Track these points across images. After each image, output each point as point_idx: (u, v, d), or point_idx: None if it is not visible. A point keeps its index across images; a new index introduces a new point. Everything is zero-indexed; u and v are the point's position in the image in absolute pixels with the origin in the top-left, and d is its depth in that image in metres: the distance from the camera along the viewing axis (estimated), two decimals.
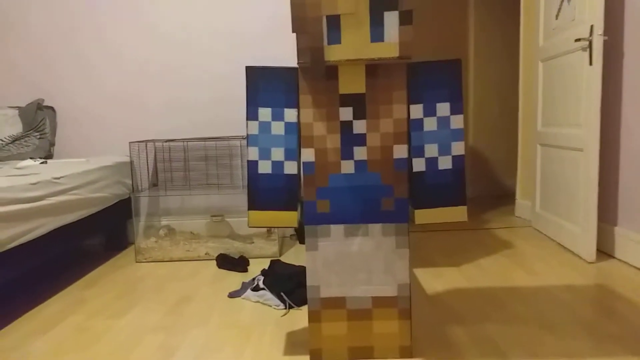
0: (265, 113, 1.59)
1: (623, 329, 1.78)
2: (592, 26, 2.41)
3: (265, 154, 1.61)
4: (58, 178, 2.30)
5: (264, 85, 1.59)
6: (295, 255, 2.85)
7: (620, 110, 2.55)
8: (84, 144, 3.22)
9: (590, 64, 2.42)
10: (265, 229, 3.12)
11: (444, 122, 1.59)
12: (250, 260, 2.75)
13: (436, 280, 2.37)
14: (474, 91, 4.54)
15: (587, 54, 2.45)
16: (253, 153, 1.61)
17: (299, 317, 1.98)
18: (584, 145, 2.53)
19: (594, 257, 2.52)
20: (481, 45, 4.50)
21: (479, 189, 4.63)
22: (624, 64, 2.50)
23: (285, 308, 2.08)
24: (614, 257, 2.60)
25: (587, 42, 2.44)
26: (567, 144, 2.73)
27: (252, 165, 1.61)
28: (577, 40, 2.48)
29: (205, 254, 2.87)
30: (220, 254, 2.78)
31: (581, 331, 1.78)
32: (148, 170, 3.16)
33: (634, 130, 2.45)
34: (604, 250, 2.67)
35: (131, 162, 2.93)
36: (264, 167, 1.61)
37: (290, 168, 1.62)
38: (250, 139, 1.60)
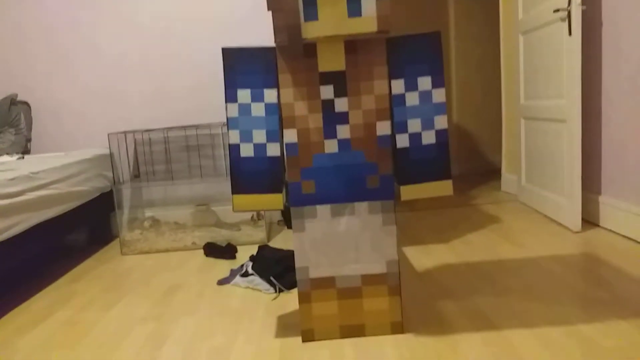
0: (244, 95, 1.56)
1: (610, 294, 1.80)
2: None
3: (246, 137, 1.58)
4: (36, 173, 2.25)
5: (242, 67, 1.55)
6: (283, 241, 2.83)
7: (601, 79, 2.55)
8: (61, 138, 3.16)
9: (570, 34, 2.42)
10: (250, 216, 3.10)
11: (425, 96, 1.57)
12: (238, 247, 2.73)
13: (425, 257, 2.37)
14: (456, 69, 4.52)
15: (566, 24, 2.45)
16: (234, 136, 1.58)
17: (290, 301, 1.98)
18: (567, 116, 2.53)
19: (579, 227, 2.54)
20: (461, 22, 4.48)
21: (465, 167, 4.64)
22: (602, 33, 2.50)
23: (275, 292, 2.07)
24: (599, 226, 2.62)
25: (566, 12, 2.43)
26: (549, 115, 2.74)
27: (234, 148, 1.58)
28: (556, 10, 2.47)
29: (192, 243, 2.85)
30: (207, 242, 2.76)
31: (570, 299, 1.79)
32: (129, 162, 3.11)
33: (614, 99, 2.46)
34: (589, 220, 2.70)
35: (111, 155, 2.87)
36: (246, 150, 1.59)
37: (273, 150, 1.59)
38: (230, 122, 1.57)
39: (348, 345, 1.59)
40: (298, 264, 1.61)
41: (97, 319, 1.95)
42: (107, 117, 3.14)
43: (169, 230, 3.01)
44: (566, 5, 2.42)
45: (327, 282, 1.62)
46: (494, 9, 3.97)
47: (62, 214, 2.44)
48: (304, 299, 1.62)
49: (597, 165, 2.64)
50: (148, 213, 3.17)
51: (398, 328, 1.63)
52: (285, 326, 1.75)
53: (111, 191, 2.92)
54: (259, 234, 2.89)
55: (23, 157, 2.67)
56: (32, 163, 2.45)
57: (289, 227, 3.07)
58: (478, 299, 1.85)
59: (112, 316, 1.97)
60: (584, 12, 2.45)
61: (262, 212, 2.99)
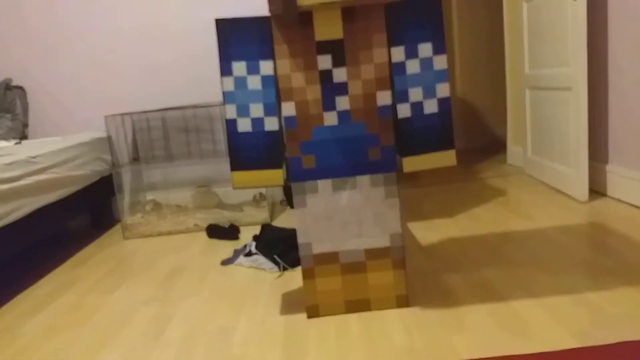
0: (239, 67, 1.51)
1: (618, 262, 1.77)
2: None
3: (243, 111, 1.54)
4: (34, 157, 2.22)
5: (236, 38, 1.50)
6: (287, 221, 2.80)
7: (607, 46, 2.48)
8: (58, 122, 3.12)
9: None
10: (252, 196, 3.08)
11: (427, 63, 1.52)
12: (240, 228, 2.71)
13: (430, 232, 2.34)
14: (459, 40, 4.43)
15: None
16: (231, 111, 1.54)
17: (294, 278, 1.95)
18: (573, 84, 2.47)
19: (586, 197, 2.50)
20: None
21: (470, 140, 4.58)
22: None
23: (280, 270, 2.05)
24: (606, 196, 2.58)
25: None
26: (555, 84, 2.68)
27: (231, 124, 1.54)
28: None
29: (195, 225, 2.82)
30: (210, 224, 2.73)
31: (577, 268, 1.76)
32: (127, 145, 3.08)
33: (621, 66, 2.40)
34: (596, 189, 2.65)
35: (109, 137, 2.84)
36: (244, 125, 1.55)
37: (271, 124, 1.55)
38: (226, 97, 1.53)
39: (353, 319, 1.57)
40: (301, 240, 1.58)
41: (101, 302, 1.94)
42: (104, 97, 3.10)
43: (170, 213, 2.99)
44: None
45: (330, 258, 1.59)
46: None
47: (62, 198, 2.41)
48: (307, 275, 1.60)
49: (604, 133, 2.59)
50: (149, 196, 3.14)
51: (403, 301, 1.60)
52: (290, 303, 1.73)
53: (111, 175, 2.90)
54: (262, 214, 2.87)
55: (20, 142, 2.64)
56: (30, 147, 2.42)
57: (292, 206, 3.04)
58: (484, 271, 1.82)
59: (116, 299, 1.95)
60: None
61: (264, 193, 2.96)
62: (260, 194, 3.04)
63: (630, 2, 2.28)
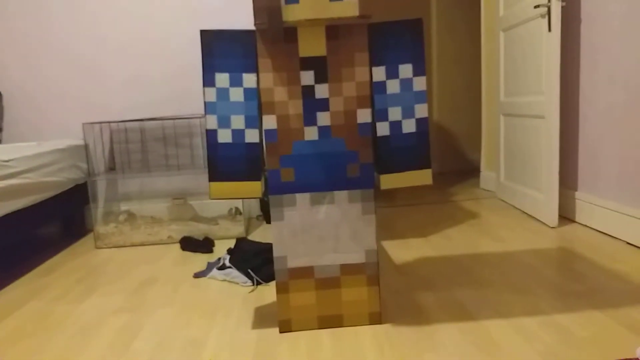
0: (222, 79, 1.53)
1: (585, 286, 1.82)
2: None
3: (224, 122, 1.55)
4: (7, 161, 2.18)
5: (220, 50, 1.52)
6: (262, 235, 2.80)
7: (579, 76, 2.59)
8: (35, 127, 3.07)
9: (549, 30, 2.44)
10: (228, 210, 3.06)
11: (406, 84, 1.56)
12: (215, 241, 2.69)
13: (404, 251, 2.37)
14: (437, 66, 4.55)
15: (545, 20, 2.47)
16: (212, 121, 1.54)
17: (267, 293, 1.95)
18: (545, 113, 2.56)
19: (556, 222, 2.57)
20: (442, 18, 4.51)
21: (445, 165, 4.67)
22: (581, 30, 2.53)
23: (253, 285, 2.04)
24: (575, 222, 2.65)
25: (546, 9, 2.45)
26: (529, 112, 2.76)
27: (211, 134, 1.55)
28: (536, 6, 2.49)
29: (168, 237, 2.79)
30: (184, 236, 2.71)
31: (546, 290, 1.80)
32: (104, 153, 3.04)
33: (591, 97, 2.49)
34: (566, 216, 2.72)
35: (86, 146, 2.80)
36: (224, 136, 1.55)
37: (252, 136, 1.56)
38: (208, 107, 1.54)
39: (326, 335, 1.57)
40: (276, 253, 1.59)
41: (70, 310, 1.89)
42: (83, 104, 3.06)
43: (144, 224, 2.94)
44: (546, 1, 2.45)
45: (305, 272, 1.59)
46: (475, 5, 4.00)
47: (34, 204, 2.37)
48: (281, 289, 1.60)
49: (574, 161, 2.67)
50: (124, 207, 3.10)
51: (376, 318, 1.61)
52: (263, 317, 1.72)
53: (85, 183, 2.85)
54: (237, 228, 2.85)
55: None
56: (3, 151, 2.37)
57: (268, 222, 3.03)
58: (456, 291, 1.85)
59: (85, 308, 1.91)
60: (563, 9, 2.48)
61: (240, 208, 2.95)
62: (236, 208, 3.03)
63: (601, 35, 2.39)
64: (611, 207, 2.36)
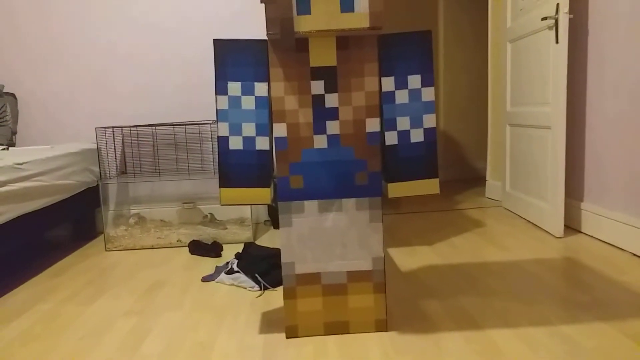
0: (234, 87, 1.56)
1: (591, 297, 1.83)
2: (557, 4, 2.44)
3: (235, 130, 1.58)
4: (21, 164, 2.22)
5: (233, 59, 1.55)
6: (269, 241, 2.82)
7: (585, 87, 2.60)
8: (48, 131, 3.12)
9: (557, 42, 2.46)
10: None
11: (415, 94, 1.58)
12: (223, 245, 2.72)
13: (410, 258, 2.38)
14: (444, 76, 4.57)
15: (553, 32, 2.49)
16: (223, 129, 1.58)
17: (274, 298, 1.97)
18: (552, 123, 2.57)
19: (562, 233, 2.57)
20: (450, 29, 4.54)
21: (451, 173, 4.68)
22: (588, 42, 2.55)
23: (260, 289, 2.06)
24: (580, 232, 2.66)
25: (553, 21, 2.47)
26: (535, 122, 2.78)
27: (223, 141, 1.58)
28: (544, 19, 2.51)
29: (177, 241, 2.83)
30: (193, 240, 2.74)
31: (552, 300, 1.81)
32: (116, 157, 3.08)
33: (598, 108, 2.51)
34: (571, 226, 2.73)
35: (98, 149, 2.84)
36: (235, 143, 1.58)
37: (262, 144, 1.59)
38: (220, 114, 1.57)
39: (332, 341, 1.59)
40: (284, 259, 1.61)
41: (79, 312, 1.92)
42: (94, 111, 3.11)
43: (154, 227, 2.98)
44: (554, 13, 2.47)
45: (312, 278, 1.62)
46: (482, 17, 4.03)
47: (46, 207, 2.41)
48: (289, 294, 1.62)
49: (580, 172, 2.68)
50: (134, 210, 3.14)
51: (382, 326, 1.63)
52: (269, 322, 1.75)
53: (97, 186, 2.89)
54: (245, 233, 2.88)
55: (7, 149, 2.64)
56: (17, 154, 2.42)
57: (276, 227, 3.06)
58: (461, 299, 1.86)
59: (94, 310, 1.94)
60: (571, 21, 2.50)
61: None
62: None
63: (608, 47, 2.40)
64: (618, 218, 2.37)
